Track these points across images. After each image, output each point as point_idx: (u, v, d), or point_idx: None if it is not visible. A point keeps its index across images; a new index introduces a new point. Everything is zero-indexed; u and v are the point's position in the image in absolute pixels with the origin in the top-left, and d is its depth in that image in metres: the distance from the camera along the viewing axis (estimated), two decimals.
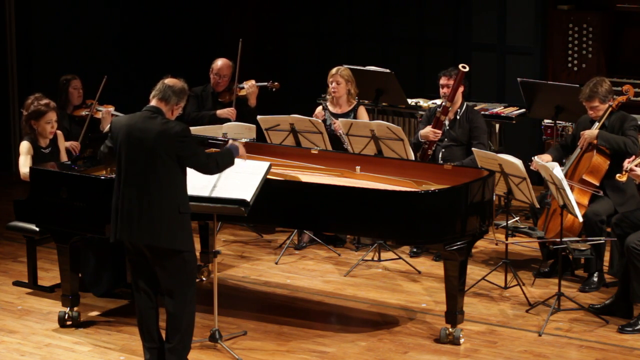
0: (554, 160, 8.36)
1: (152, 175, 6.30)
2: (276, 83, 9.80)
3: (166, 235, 6.32)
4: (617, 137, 7.96)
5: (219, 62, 9.77)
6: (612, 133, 8.03)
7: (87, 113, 9.32)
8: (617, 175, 7.45)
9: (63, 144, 8.30)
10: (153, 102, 6.45)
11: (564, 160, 8.83)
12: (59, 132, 8.19)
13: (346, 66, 9.36)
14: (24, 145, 7.99)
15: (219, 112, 9.55)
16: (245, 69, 9.73)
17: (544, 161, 8.10)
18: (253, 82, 9.68)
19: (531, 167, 8.10)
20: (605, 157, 7.99)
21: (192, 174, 6.50)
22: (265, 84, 9.76)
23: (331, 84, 9.21)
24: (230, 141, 6.74)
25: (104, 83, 9.15)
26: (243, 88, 9.67)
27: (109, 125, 6.99)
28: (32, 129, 7.99)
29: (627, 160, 7.41)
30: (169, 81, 6.48)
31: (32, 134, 8.01)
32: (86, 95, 9.57)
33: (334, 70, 9.23)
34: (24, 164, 7.88)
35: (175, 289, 6.44)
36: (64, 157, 8.24)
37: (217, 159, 6.50)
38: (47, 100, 8.01)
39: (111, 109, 9.25)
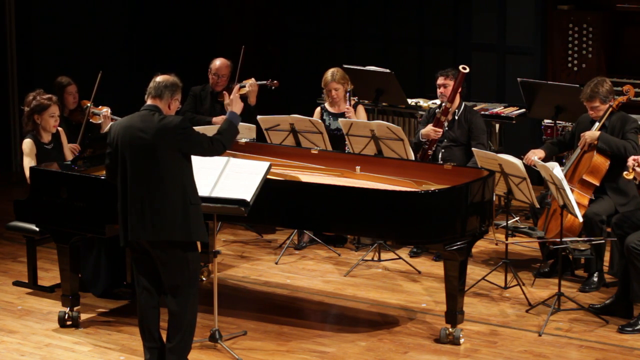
0: (547, 155, 8.37)
1: (158, 172, 6.31)
2: (275, 81, 9.77)
3: (181, 228, 6.34)
4: (617, 140, 7.95)
5: (217, 62, 9.76)
6: (612, 133, 8.03)
7: (83, 117, 9.29)
8: (625, 173, 7.42)
9: (66, 141, 8.30)
10: (148, 101, 6.50)
11: (563, 160, 8.83)
12: (60, 128, 8.20)
13: (337, 68, 9.29)
14: (26, 144, 7.99)
15: (215, 119, 9.48)
16: (245, 69, 9.72)
17: (537, 156, 8.13)
18: (253, 80, 9.66)
19: (524, 160, 8.12)
20: (606, 157, 7.99)
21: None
22: (265, 82, 9.74)
23: (330, 92, 9.18)
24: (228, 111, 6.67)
25: (99, 79, 9.11)
26: (243, 87, 9.64)
27: (108, 127, 6.98)
28: (35, 124, 8.00)
29: (632, 158, 7.38)
30: (159, 78, 6.53)
31: (34, 130, 8.01)
32: (83, 93, 9.52)
33: (328, 77, 9.16)
34: (28, 167, 7.85)
35: (179, 287, 6.45)
36: (67, 153, 8.24)
37: (221, 140, 6.48)
38: (49, 95, 8.06)
39: (107, 110, 9.23)
